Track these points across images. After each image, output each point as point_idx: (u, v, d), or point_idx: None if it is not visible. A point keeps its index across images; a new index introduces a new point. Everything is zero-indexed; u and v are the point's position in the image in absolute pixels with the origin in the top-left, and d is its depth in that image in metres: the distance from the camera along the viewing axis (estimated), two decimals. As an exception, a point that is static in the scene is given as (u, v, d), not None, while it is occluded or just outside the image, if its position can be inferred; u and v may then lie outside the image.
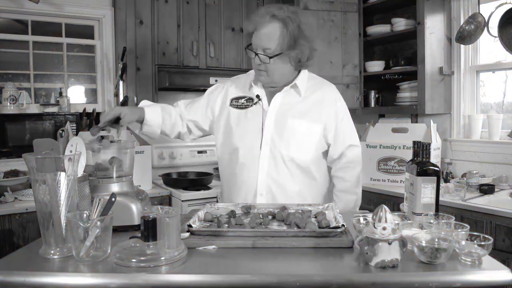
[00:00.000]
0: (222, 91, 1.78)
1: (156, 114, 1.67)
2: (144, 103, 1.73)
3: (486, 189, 2.46)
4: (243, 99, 1.72)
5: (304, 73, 1.72)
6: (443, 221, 1.20)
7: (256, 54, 1.58)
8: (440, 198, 1.38)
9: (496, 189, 2.51)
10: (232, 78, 1.83)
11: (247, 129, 1.66)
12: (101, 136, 1.45)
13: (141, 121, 1.65)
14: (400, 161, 2.78)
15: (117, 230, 1.24)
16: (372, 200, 2.79)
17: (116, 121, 1.54)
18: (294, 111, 1.66)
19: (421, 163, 1.34)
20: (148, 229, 1.07)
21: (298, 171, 1.66)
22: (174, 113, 1.74)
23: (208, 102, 1.78)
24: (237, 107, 1.71)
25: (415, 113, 3.14)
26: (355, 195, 1.76)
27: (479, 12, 2.70)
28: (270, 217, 1.36)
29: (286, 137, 1.63)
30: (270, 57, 1.56)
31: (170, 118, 1.71)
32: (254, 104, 1.69)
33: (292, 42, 1.56)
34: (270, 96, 1.69)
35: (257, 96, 1.68)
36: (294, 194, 1.66)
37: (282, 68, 1.62)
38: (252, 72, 1.75)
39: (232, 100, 1.73)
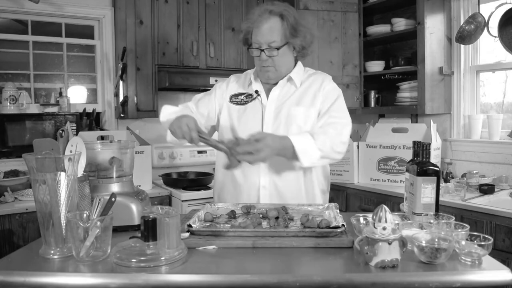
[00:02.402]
0: (222, 88, 1.83)
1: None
2: (170, 109, 1.70)
3: (486, 189, 2.46)
4: (242, 96, 1.76)
5: (299, 65, 1.76)
6: (443, 221, 1.20)
7: (262, 50, 1.62)
8: (440, 198, 1.38)
9: (496, 189, 2.51)
10: (231, 77, 1.87)
11: (248, 124, 1.70)
12: (101, 137, 1.45)
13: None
14: (400, 161, 2.78)
15: (117, 230, 1.24)
16: (372, 200, 2.79)
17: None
18: (291, 100, 1.70)
19: (421, 163, 1.34)
20: (148, 229, 1.07)
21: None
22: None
23: (215, 95, 1.82)
24: (237, 103, 1.76)
25: (415, 113, 3.14)
26: (320, 152, 1.56)
27: (479, 12, 2.70)
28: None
29: (286, 124, 1.67)
30: (278, 49, 1.61)
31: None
32: (253, 99, 1.73)
33: (293, 31, 1.63)
34: (267, 91, 1.73)
35: (256, 91, 1.73)
36: (292, 183, 1.68)
37: (288, 60, 1.69)
38: (250, 71, 1.81)
39: (231, 96, 1.78)
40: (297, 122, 1.67)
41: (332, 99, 1.69)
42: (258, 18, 1.62)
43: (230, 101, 1.77)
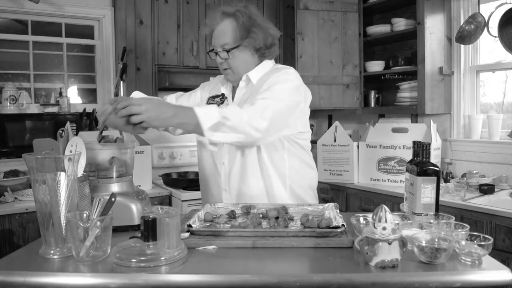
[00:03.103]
0: (204, 89, 1.84)
1: None
2: (136, 94, 1.74)
3: (486, 189, 2.46)
4: (217, 98, 1.75)
5: (263, 65, 1.67)
6: (443, 221, 1.20)
7: (216, 53, 1.62)
8: (440, 198, 1.38)
9: (496, 189, 2.51)
10: (211, 79, 1.89)
11: None
12: (102, 136, 1.45)
13: None
14: (400, 161, 2.78)
15: (117, 230, 1.24)
16: (372, 200, 2.79)
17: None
18: (250, 99, 1.61)
19: (421, 163, 1.34)
20: (148, 229, 1.07)
21: (253, 157, 1.63)
22: None
23: (195, 96, 1.83)
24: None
25: (415, 113, 3.14)
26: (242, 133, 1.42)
27: (479, 12, 2.70)
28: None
29: None
30: (228, 51, 1.59)
31: None
32: (222, 102, 1.72)
33: (245, 32, 1.59)
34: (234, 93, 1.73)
35: (222, 95, 1.73)
36: (253, 180, 1.64)
37: (244, 61, 1.64)
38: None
39: (208, 98, 1.78)
40: None
41: (273, 81, 1.55)
42: (213, 21, 1.62)
43: (207, 103, 1.76)
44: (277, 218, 1.34)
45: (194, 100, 1.83)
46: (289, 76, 1.60)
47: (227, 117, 1.37)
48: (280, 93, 1.51)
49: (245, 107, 1.47)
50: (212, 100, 1.76)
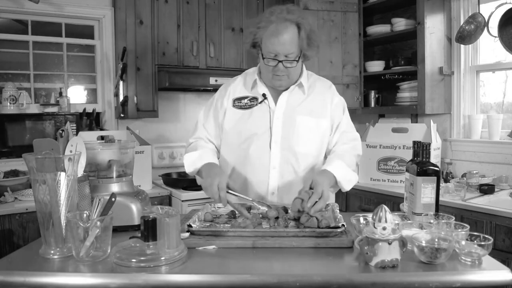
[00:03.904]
0: (222, 95, 1.76)
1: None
2: (193, 156, 1.67)
3: (486, 189, 2.46)
4: (246, 99, 1.70)
5: (305, 70, 1.74)
6: (443, 221, 1.20)
7: (279, 61, 1.56)
8: (440, 198, 1.38)
9: (496, 189, 2.51)
10: (229, 81, 1.80)
11: (255, 128, 1.66)
12: (101, 137, 1.45)
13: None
14: (400, 161, 2.78)
15: (117, 230, 1.24)
16: (372, 200, 2.79)
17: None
18: (301, 109, 1.67)
19: (421, 163, 1.34)
20: (148, 229, 1.07)
21: (307, 167, 1.67)
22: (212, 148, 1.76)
23: (216, 108, 1.76)
24: (241, 107, 1.69)
25: (415, 113, 3.14)
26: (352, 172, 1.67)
27: (479, 12, 2.70)
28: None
29: (297, 134, 1.65)
30: (297, 60, 1.58)
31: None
32: (259, 103, 1.68)
33: (309, 41, 1.59)
34: (274, 95, 1.69)
35: (263, 95, 1.67)
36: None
37: (299, 68, 1.67)
38: (249, 71, 1.76)
39: (234, 100, 1.71)
40: (307, 131, 1.65)
41: (341, 111, 1.75)
42: (274, 26, 1.54)
43: (233, 106, 1.70)
44: (277, 218, 1.34)
45: (218, 117, 1.73)
46: (342, 99, 1.79)
47: (353, 169, 1.64)
48: (352, 125, 1.79)
49: (346, 150, 1.68)
50: (239, 102, 1.70)
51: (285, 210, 1.43)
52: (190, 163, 1.63)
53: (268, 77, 1.64)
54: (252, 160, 1.66)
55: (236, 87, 1.75)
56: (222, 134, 1.73)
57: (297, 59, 1.57)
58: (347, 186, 1.60)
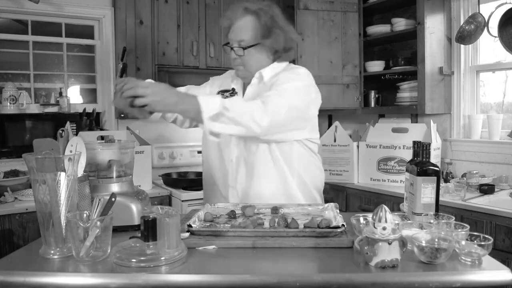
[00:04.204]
0: (212, 84, 1.83)
1: None
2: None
3: (486, 189, 2.46)
4: (227, 92, 1.73)
5: (278, 64, 1.66)
6: (443, 221, 1.20)
7: (232, 48, 1.60)
8: (440, 198, 1.38)
9: (496, 189, 2.51)
10: (217, 76, 1.88)
11: None
12: (101, 137, 1.45)
13: None
14: (400, 161, 2.78)
15: (117, 230, 1.24)
16: (372, 200, 2.79)
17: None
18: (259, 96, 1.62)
19: (421, 163, 1.34)
20: (148, 229, 1.07)
21: (269, 153, 1.63)
22: None
23: (205, 89, 1.83)
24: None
25: (415, 113, 3.14)
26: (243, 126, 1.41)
27: (479, 12, 2.70)
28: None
29: None
30: (244, 48, 1.57)
31: None
32: (231, 97, 1.69)
33: (265, 32, 1.57)
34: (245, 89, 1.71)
35: (233, 89, 1.71)
36: (262, 177, 1.64)
37: (258, 60, 1.62)
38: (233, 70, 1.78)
39: (218, 92, 1.75)
40: None
41: (282, 79, 1.54)
42: (233, 15, 1.60)
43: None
44: (251, 216, 1.34)
45: (204, 93, 1.80)
46: (299, 75, 1.60)
47: (228, 108, 1.35)
48: (287, 91, 1.49)
49: (250, 101, 1.47)
50: (221, 94, 1.73)
51: (276, 210, 1.43)
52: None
53: (234, 68, 1.68)
54: (214, 154, 1.71)
55: (221, 81, 1.81)
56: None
57: (246, 46, 1.57)
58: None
